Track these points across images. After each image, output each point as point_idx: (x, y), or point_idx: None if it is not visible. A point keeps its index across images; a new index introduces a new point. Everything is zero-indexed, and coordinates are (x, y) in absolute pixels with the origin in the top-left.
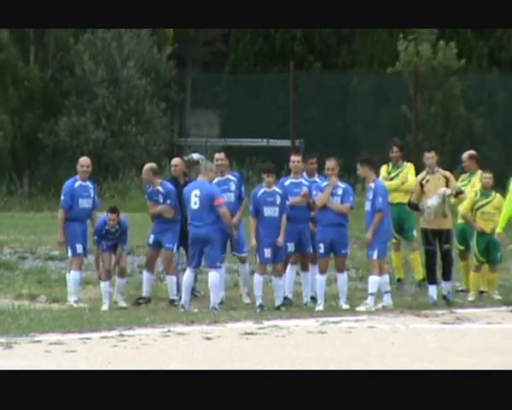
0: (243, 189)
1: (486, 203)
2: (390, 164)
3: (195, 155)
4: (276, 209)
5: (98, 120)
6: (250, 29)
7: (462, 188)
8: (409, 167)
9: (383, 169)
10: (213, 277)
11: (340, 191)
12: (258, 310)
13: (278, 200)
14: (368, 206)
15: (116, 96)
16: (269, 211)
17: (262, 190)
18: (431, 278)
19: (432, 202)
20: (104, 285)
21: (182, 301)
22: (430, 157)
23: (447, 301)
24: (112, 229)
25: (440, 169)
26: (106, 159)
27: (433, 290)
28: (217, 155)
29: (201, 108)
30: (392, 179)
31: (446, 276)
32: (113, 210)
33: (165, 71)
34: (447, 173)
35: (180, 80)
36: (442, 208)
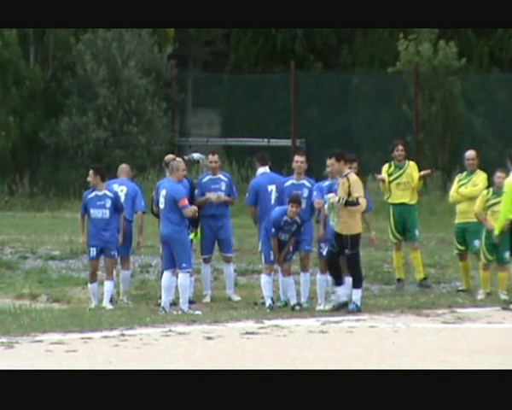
0: (234, 189)
1: (498, 202)
2: (392, 163)
3: (196, 155)
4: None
5: (99, 119)
6: (251, 29)
7: (465, 188)
8: (412, 166)
9: (384, 169)
10: (179, 278)
11: None
12: (268, 311)
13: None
14: None
15: (117, 95)
16: None
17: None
18: (335, 280)
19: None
20: (92, 287)
21: (162, 303)
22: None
23: (348, 311)
24: (99, 192)
25: (350, 174)
26: (107, 158)
27: (339, 291)
28: (210, 157)
29: (202, 108)
30: (395, 178)
31: (353, 283)
32: (92, 167)
33: (166, 71)
34: (352, 179)
35: (181, 80)
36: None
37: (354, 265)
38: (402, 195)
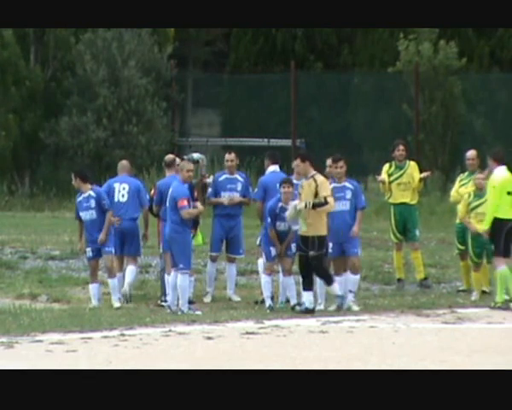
0: (250, 190)
1: (480, 204)
2: (393, 163)
3: (196, 155)
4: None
5: (99, 119)
6: (251, 29)
7: (465, 189)
8: (413, 166)
9: (385, 169)
10: (178, 279)
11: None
12: (268, 311)
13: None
14: None
15: (117, 95)
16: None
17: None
18: (304, 285)
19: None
20: (92, 287)
21: (168, 302)
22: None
23: (297, 311)
24: (84, 194)
25: (317, 175)
26: (107, 158)
27: (306, 296)
28: (227, 156)
29: (202, 108)
30: (395, 178)
31: (326, 283)
32: (72, 171)
33: (166, 70)
34: (319, 180)
35: (181, 80)
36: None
37: (319, 266)
38: (402, 195)
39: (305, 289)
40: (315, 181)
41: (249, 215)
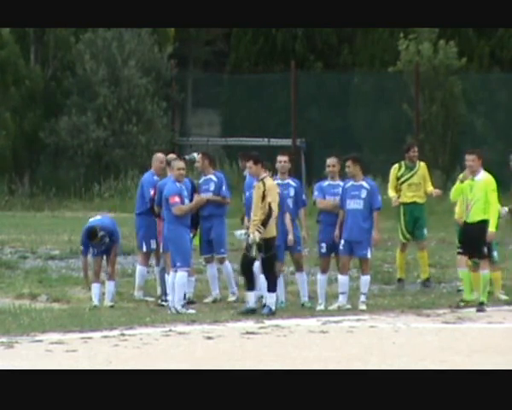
0: (224, 188)
1: None
2: (402, 164)
3: (197, 155)
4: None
5: (99, 119)
6: (251, 28)
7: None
8: (423, 167)
9: (394, 170)
10: (176, 277)
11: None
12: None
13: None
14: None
15: (117, 95)
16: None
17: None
18: (247, 284)
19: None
20: (94, 286)
21: (170, 303)
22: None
23: (261, 314)
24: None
25: (266, 179)
26: (107, 158)
27: (249, 297)
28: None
29: (202, 108)
30: (406, 179)
31: (267, 287)
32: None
33: (166, 70)
34: (268, 184)
35: (181, 80)
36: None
37: (268, 268)
38: (413, 195)
39: (248, 289)
40: (263, 185)
41: (237, 216)
